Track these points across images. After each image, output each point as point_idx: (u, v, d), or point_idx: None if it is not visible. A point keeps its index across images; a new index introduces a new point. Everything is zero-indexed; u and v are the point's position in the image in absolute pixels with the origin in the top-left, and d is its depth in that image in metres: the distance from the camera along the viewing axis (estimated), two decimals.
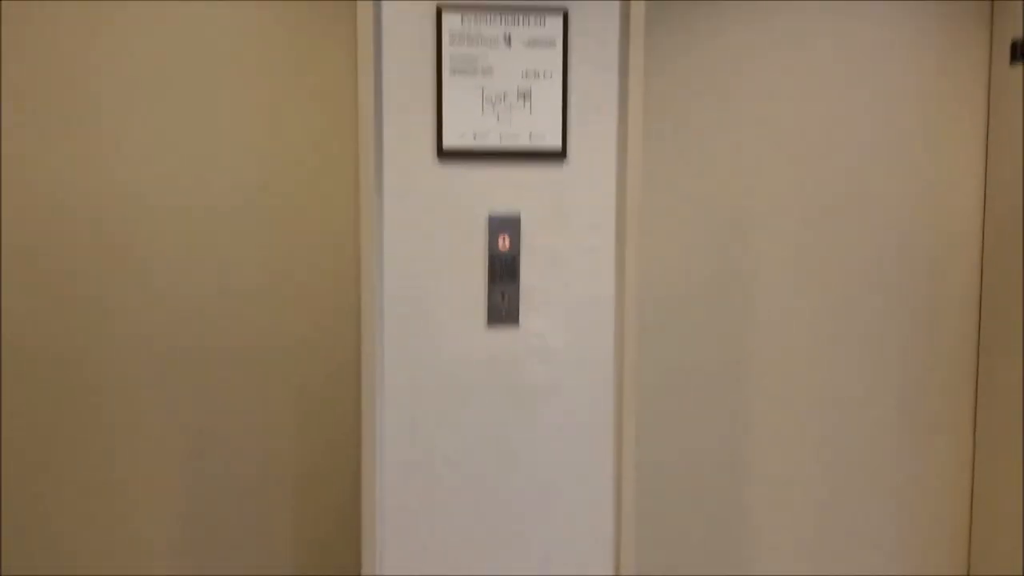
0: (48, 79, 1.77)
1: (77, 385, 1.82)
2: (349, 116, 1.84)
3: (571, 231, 1.73)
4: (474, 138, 1.66)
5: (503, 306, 1.71)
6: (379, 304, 1.68)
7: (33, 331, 1.80)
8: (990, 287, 2.06)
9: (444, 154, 1.66)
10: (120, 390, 1.83)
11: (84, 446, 1.83)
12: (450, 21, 1.63)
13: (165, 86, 1.80)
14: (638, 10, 1.68)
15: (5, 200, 1.77)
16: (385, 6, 1.62)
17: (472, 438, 1.72)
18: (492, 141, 1.67)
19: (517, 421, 1.73)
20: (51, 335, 1.81)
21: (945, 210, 2.07)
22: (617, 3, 1.69)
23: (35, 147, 1.77)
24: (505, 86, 1.66)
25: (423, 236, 1.69)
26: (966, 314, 2.10)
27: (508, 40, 1.65)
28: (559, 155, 1.69)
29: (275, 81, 1.82)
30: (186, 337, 1.84)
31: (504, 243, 1.70)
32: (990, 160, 2.05)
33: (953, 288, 2.09)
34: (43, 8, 1.76)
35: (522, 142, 1.68)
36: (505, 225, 1.70)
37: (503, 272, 1.71)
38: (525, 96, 1.67)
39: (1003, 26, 2.00)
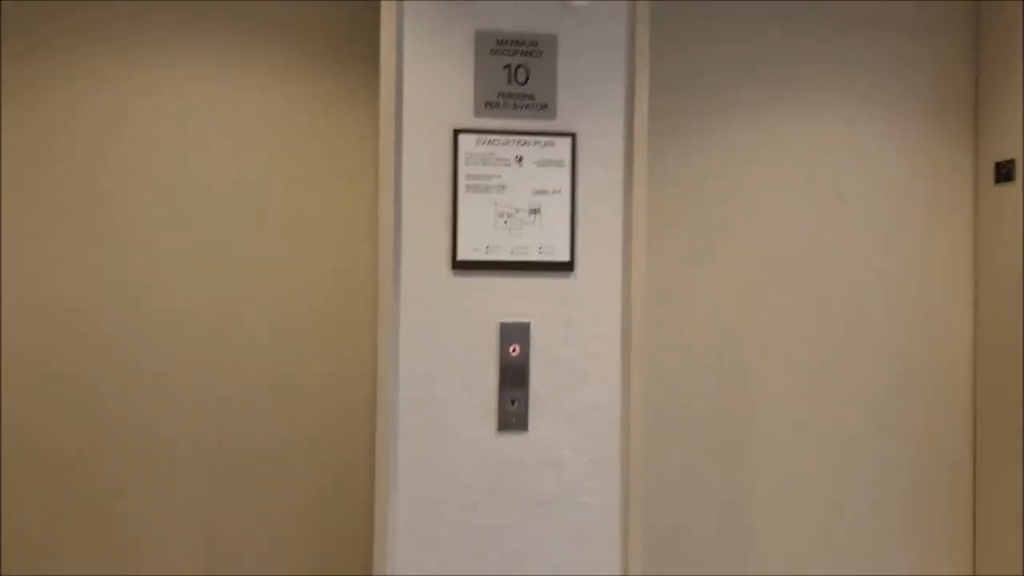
0: (65, 176, 1.87)
1: (92, 484, 1.86)
2: (370, 225, 1.94)
3: (578, 339, 1.80)
4: (487, 251, 1.75)
5: (513, 412, 1.77)
6: (394, 408, 1.73)
7: (46, 435, 1.85)
8: (984, 404, 2.11)
9: (458, 265, 1.74)
10: (136, 491, 1.86)
11: (97, 548, 1.85)
12: (466, 143, 1.74)
13: (187, 195, 1.90)
14: (641, 132, 1.79)
15: (17, 305, 1.84)
16: (406, 128, 1.73)
17: (481, 543, 1.75)
18: (504, 254, 1.75)
19: (526, 526, 1.76)
20: (65, 437, 1.85)
21: (938, 331, 2.14)
22: (621, 126, 1.80)
23: (48, 252, 1.86)
24: (517, 203, 1.76)
25: (438, 343, 1.75)
26: (962, 430, 2.14)
27: (520, 161, 1.76)
28: (567, 267, 1.78)
29: (296, 189, 1.91)
30: (203, 438, 1.89)
31: (515, 351, 1.77)
32: (979, 275, 2.13)
33: (949, 405, 2.14)
34: (52, 99, 1.86)
35: (532, 255, 1.76)
36: (516, 333, 1.77)
37: (513, 379, 1.77)
38: (535, 212, 1.76)
39: (987, 148, 2.11)
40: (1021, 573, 1.97)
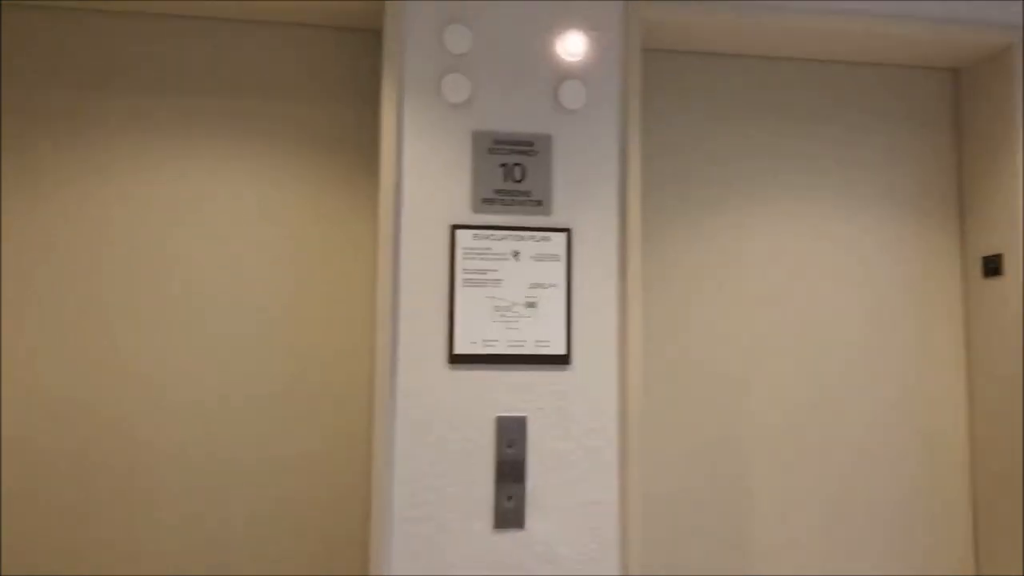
0: (62, 248, 1.88)
1: (89, 533, 1.81)
2: (367, 318, 1.95)
3: (576, 433, 1.79)
4: (484, 345, 1.76)
5: (510, 508, 1.74)
6: (388, 502, 1.71)
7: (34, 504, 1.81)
8: (982, 488, 2.09)
9: (455, 359, 1.75)
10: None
11: None
12: (463, 238, 1.77)
13: (186, 283, 1.91)
14: (635, 226, 1.83)
15: (14, 395, 1.83)
16: (404, 223, 1.77)
17: None
18: (501, 348, 1.76)
19: None
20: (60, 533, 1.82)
21: (932, 414, 2.14)
22: (615, 222, 1.84)
23: (45, 343, 1.86)
24: (513, 296, 1.77)
25: (434, 436, 1.74)
26: (963, 522, 2.12)
27: (516, 255, 1.78)
28: (564, 360, 1.78)
29: (297, 276, 1.93)
30: (196, 517, 1.85)
31: (511, 445, 1.76)
32: (972, 368, 2.14)
33: (946, 496, 2.13)
34: (49, 183, 1.89)
35: (529, 348, 1.77)
36: (512, 427, 1.76)
37: (510, 474, 1.75)
38: (532, 305, 1.78)
39: (974, 243, 2.15)
40: None
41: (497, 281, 1.78)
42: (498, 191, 1.80)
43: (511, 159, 1.81)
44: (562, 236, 1.80)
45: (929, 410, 2.14)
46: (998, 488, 2.06)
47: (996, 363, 2.07)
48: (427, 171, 1.79)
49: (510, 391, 1.78)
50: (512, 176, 1.81)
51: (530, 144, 1.82)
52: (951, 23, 2.03)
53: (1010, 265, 2.03)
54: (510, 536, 1.75)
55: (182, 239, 1.90)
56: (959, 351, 2.17)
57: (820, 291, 2.13)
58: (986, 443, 2.10)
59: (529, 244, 1.79)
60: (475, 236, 1.77)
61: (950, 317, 2.18)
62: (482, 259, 1.77)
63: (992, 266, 2.09)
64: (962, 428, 2.15)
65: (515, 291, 1.78)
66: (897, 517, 2.11)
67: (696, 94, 2.13)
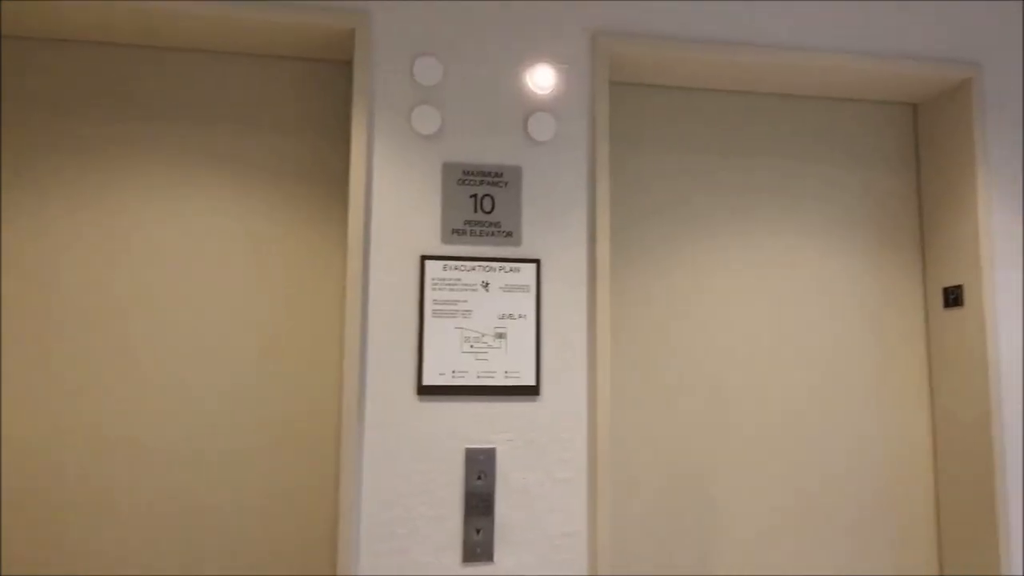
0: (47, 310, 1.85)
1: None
2: (338, 349, 1.93)
3: (545, 464, 1.78)
4: (453, 376, 1.75)
5: (478, 541, 1.73)
6: (355, 536, 1.69)
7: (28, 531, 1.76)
8: (946, 513, 2.12)
9: (424, 390, 1.74)
10: None
11: None
12: (433, 269, 1.77)
13: (145, 308, 1.89)
14: (604, 257, 1.84)
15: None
16: (373, 253, 1.76)
17: None
18: (470, 379, 1.76)
19: None
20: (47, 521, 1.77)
21: (896, 438, 2.17)
22: (584, 252, 1.85)
23: (39, 377, 1.82)
24: (483, 327, 1.77)
25: (402, 468, 1.73)
26: (927, 546, 2.14)
27: (486, 286, 1.79)
28: (533, 391, 1.78)
29: (263, 308, 1.91)
30: (164, 560, 1.81)
31: (480, 477, 1.75)
32: (935, 395, 2.18)
33: (913, 520, 2.15)
34: (49, 231, 1.86)
35: (498, 379, 1.77)
36: (481, 459, 1.75)
37: (479, 506, 1.74)
38: (501, 336, 1.78)
39: (935, 274, 2.19)
40: None
41: (467, 312, 1.77)
42: (468, 222, 1.80)
43: (481, 190, 1.82)
44: (531, 267, 1.81)
45: (893, 434, 2.17)
46: (961, 506, 2.08)
47: (957, 389, 2.10)
48: (397, 202, 1.79)
49: (479, 422, 1.77)
50: (482, 207, 1.82)
51: (500, 175, 1.83)
52: (910, 59, 2.08)
53: (970, 295, 2.07)
54: (479, 570, 1.73)
55: (149, 267, 1.88)
56: (922, 379, 2.21)
57: (786, 321, 2.16)
58: (949, 464, 2.13)
59: (499, 275, 1.79)
60: (445, 267, 1.77)
61: (913, 345, 2.21)
62: (451, 290, 1.77)
63: (953, 296, 2.12)
64: (925, 450, 2.18)
65: (484, 322, 1.78)
66: (862, 534, 2.12)
67: (664, 127, 2.16)
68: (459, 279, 1.78)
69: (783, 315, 2.16)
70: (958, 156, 2.14)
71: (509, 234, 1.82)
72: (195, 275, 1.89)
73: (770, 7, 2.03)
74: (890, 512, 2.14)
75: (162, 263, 1.88)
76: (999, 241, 2.07)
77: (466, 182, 1.81)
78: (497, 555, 1.74)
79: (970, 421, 2.06)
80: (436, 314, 1.76)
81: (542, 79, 1.87)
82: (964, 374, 2.08)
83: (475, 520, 1.74)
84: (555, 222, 1.85)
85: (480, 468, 1.75)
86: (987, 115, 2.11)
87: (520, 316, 1.80)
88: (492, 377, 1.77)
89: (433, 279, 1.77)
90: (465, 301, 1.77)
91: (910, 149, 2.29)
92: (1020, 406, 2.03)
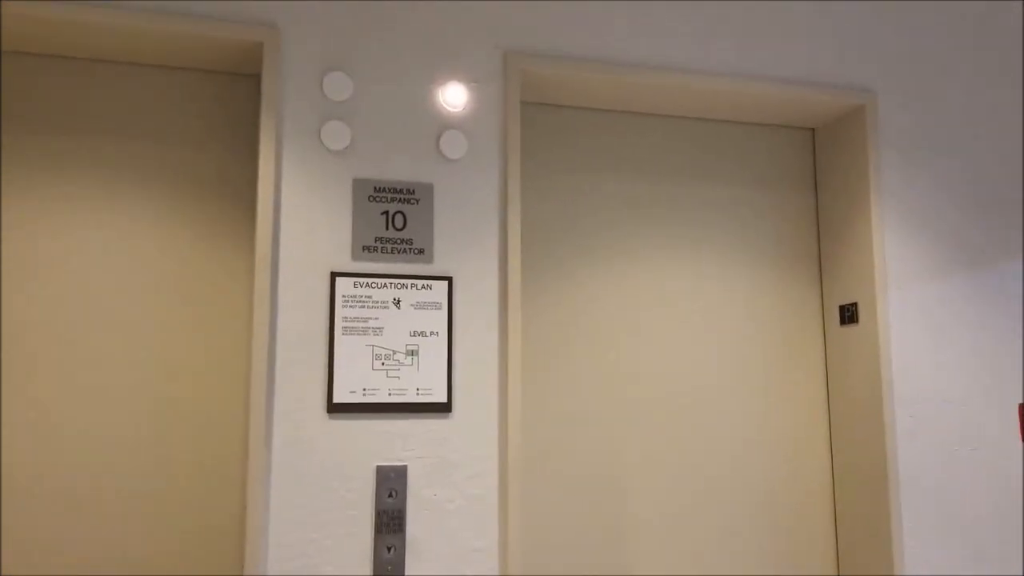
0: None
1: None
2: (242, 371, 1.90)
3: (456, 481, 1.79)
4: (364, 393, 1.74)
5: (389, 560, 1.72)
6: (263, 555, 1.66)
7: None
8: (844, 526, 2.20)
9: (335, 408, 1.73)
10: None
11: None
12: (343, 286, 1.76)
13: (47, 327, 1.82)
14: (515, 274, 1.86)
15: None
16: (282, 269, 1.74)
17: None
18: (381, 396, 1.75)
19: None
20: None
21: (798, 459, 2.24)
22: (496, 269, 1.86)
23: None
24: (394, 345, 1.77)
25: (311, 487, 1.71)
26: (824, 552, 2.22)
27: (398, 303, 1.78)
28: (445, 408, 1.79)
29: (170, 328, 1.87)
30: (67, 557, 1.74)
31: (392, 494, 1.74)
32: (832, 412, 2.26)
33: (811, 530, 2.22)
34: None
35: (410, 397, 1.77)
36: (393, 476, 1.75)
37: (390, 524, 1.73)
38: (413, 354, 1.78)
39: (831, 292, 2.29)
40: None
41: (378, 329, 1.77)
42: (379, 239, 1.80)
43: (392, 207, 1.82)
44: (443, 284, 1.82)
45: (791, 437, 2.24)
46: (855, 508, 2.17)
47: (852, 401, 2.19)
48: (307, 218, 1.78)
49: (391, 440, 1.76)
50: (394, 224, 1.81)
51: (411, 192, 1.84)
52: (809, 85, 2.17)
53: (865, 313, 2.16)
54: None
55: (45, 281, 1.82)
56: (819, 389, 2.29)
57: (689, 335, 2.21)
58: (845, 472, 2.21)
59: (410, 292, 1.80)
60: (355, 284, 1.77)
61: (811, 358, 2.30)
62: (362, 307, 1.76)
63: (848, 313, 2.21)
64: (822, 452, 2.26)
65: (396, 339, 1.78)
66: (762, 525, 2.18)
67: (575, 146, 2.20)
68: (370, 296, 1.77)
69: (689, 326, 2.21)
70: (853, 179, 2.23)
71: (421, 251, 1.82)
72: (94, 290, 1.84)
73: (678, 32, 2.09)
74: (787, 509, 2.21)
75: (59, 277, 1.82)
76: (892, 262, 2.17)
77: (377, 199, 1.81)
78: (408, 571, 1.74)
79: (864, 431, 2.15)
80: (347, 331, 1.75)
81: (454, 97, 1.89)
82: (858, 388, 2.17)
83: (386, 537, 1.73)
84: (467, 239, 1.86)
85: (391, 485, 1.75)
86: (881, 140, 2.22)
87: (432, 333, 1.80)
88: (404, 394, 1.77)
89: (344, 296, 1.76)
90: (376, 318, 1.77)
91: (809, 172, 2.38)
92: (909, 417, 2.12)
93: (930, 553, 2.08)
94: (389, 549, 1.73)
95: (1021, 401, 2.22)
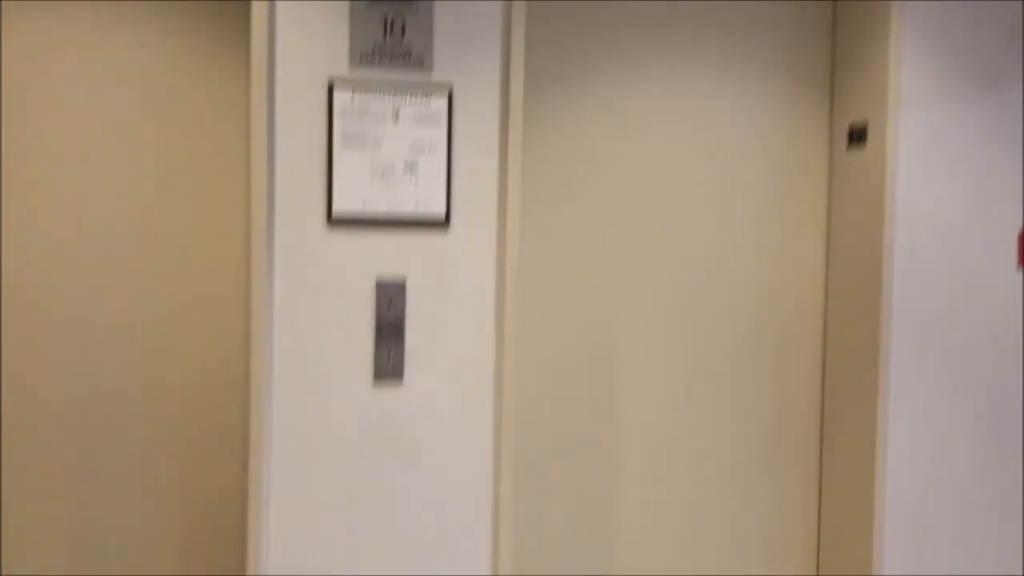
0: None
1: None
2: (244, 181, 1.89)
3: (454, 295, 1.83)
4: (363, 205, 1.74)
5: (389, 367, 1.79)
6: (268, 362, 1.73)
7: None
8: (832, 349, 2.27)
9: (334, 221, 1.73)
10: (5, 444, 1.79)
11: None
12: (341, 97, 1.71)
13: (60, 144, 1.81)
14: (517, 85, 1.81)
15: None
16: (279, 79, 1.69)
17: (358, 491, 1.78)
18: (380, 208, 1.75)
19: (401, 475, 1.81)
20: None
21: (792, 283, 2.27)
22: (498, 81, 1.81)
23: None
24: (393, 157, 1.75)
25: (313, 298, 1.75)
26: (811, 372, 2.30)
27: (396, 115, 1.75)
28: (443, 223, 1.79)
29: (169, 141, 1.85)
30: (76, 389, 1.82)
31: (391, 306, 1.78)
32: (831, 236, 2.27)
33: (800, 351, 2.29)
34: None
35: (408, 210, 1.77)
36: (392, 289, 1.78)
37: (389, 334, 1.79)
38: (412, 167, 1.77)
39: (841, 111, 2.23)
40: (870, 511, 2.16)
41: (377, 142, 1.74)
42: (377, 46, 1.74)
43: (391, 12, 1.74)
44: (443, 95, 1.77)
45: (788, 267, 2.27)
46: (846, 330, 2.23)
47: (854, 223, 2.20)
48: (302, 24, 1.70)
49: (390, 253, 1.78)
50: (392, 31, 1.74)
51: None
52: None
53: (874, 133, 2.12)
54: (390, 392, 1.80)
55: (38, 100, 1.77)
56: (820, 217, 2.28)
57: (694, 154, 2.18)
58: (839, 302, 2.26)
59: (409, 103, 1.75)
60: (354, 95, 1.72)
61: (816, 184, 2.27)
62: (361, 119, 1.73)
63: (857, 134, 2.17)
64: (818, 283, 2.29)
65: (394, 152, 1.75)
66: (752, 348, 2.26)
67: None
68: (368, 107, 1.73)
69: (694, 146, 2.18)
70: None
71: (420, 60, 1.76)
72: (92, 118, 1.80)
73: None
74: (776, 327, 2.27)
75: (58, 101, 1.78)
76: (907, 79, 2.10)
77: (375, 2, 1.73)
78: (407, 379, 1.81)
79: (862, 252, 2.16)
80: (345, 143, 1.72)
81: None
82: (860, 209, 2.17)
83: (386, 346, 1.79)
84: (469, 48, 1.79)
85: (390, 297, 1.78)
86: None
87: (431, 146, 1.78)
88: (402, 208, 1.77)
89: (342, 107, 1.72)
90: (375, 131, 1.74)
91: None
92: (912, 246, 2.13)
93: (915, 385, 2.15)
94: (388, 357, 1.79)
95: (1021, 229, 2.22)
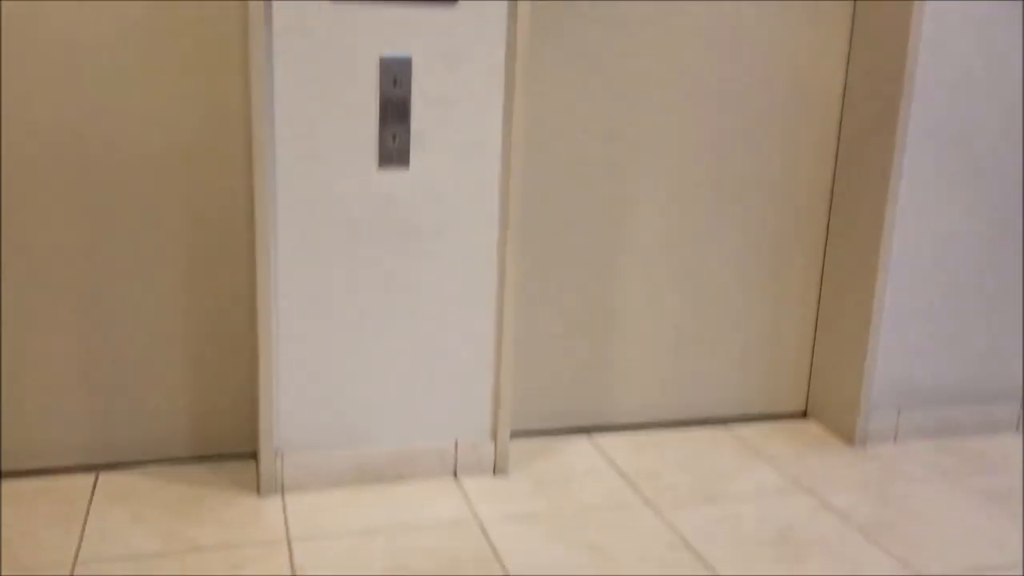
0: None
1: None
2: None
3: (461, 75, 1.77)
4: None
5: (394, 148, 1.76)
6: (271, 144, 1.70)
7: None
8: (847, 139, 2.22)
9: None
10: (10, 224, 1.79)
11: None
12: None
13: None
14: None
15: None
16: None
17: (364, 274, 1.81)
18: None
19: (407, 257, 1.83)
20: None
21: (812, 66, 2.18)
22: None
23: None
24: None
25: (315, 76, 1.69)
26: (823, 163, 2.26)
27: None
28: None
29: None
30: (76, 161, 1.80)
31: (396, 84, 1.73)
32: (856, 17, 2.16)
33: (812, 138, 2.24)
34: None
35: None
36: (397, 67, 1.72)
37: (395, 113, 1.75)
38: None
39: None
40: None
41: None
42: None
43: None
44: None
45: (809, 48, 2.18)
46: (863, 111, 2.19)
47: (881, 12, 2.09)
48: None
49: (395, 29, 1.71)
50: None
51: None
52: None
53: None
54: (395, 174, 1.78)
55: None
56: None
57: None
58: (859, 80, 2.19)
59: None
60: None
61: None
62: None
63: None
64: (839, 65, 2.21)
65: None
66: (769, 140, 2.23)
67: None
68: None
69: None
70: None
71: None
72: None
73: None
74: (793, 116, 2.22)
75: None
76: None
77: None
78: (412, 160, 1.79)
79: (887, 34, 2.07)
80: None
81: None
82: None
83: (391, 127, 1.75)
84: None
85: (396, 76, 1.73)
86: None
87: None
88: None
89: None
90: None
91: None
92: (939, 40, 2.04)
93: (929, 169, 2.12)
94: (394, 138, 1.76)
95: None
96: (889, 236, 2.12)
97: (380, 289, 1.83)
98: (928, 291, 2.21)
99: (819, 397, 2.35)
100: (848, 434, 2.24)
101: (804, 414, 2.40)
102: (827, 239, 2.30)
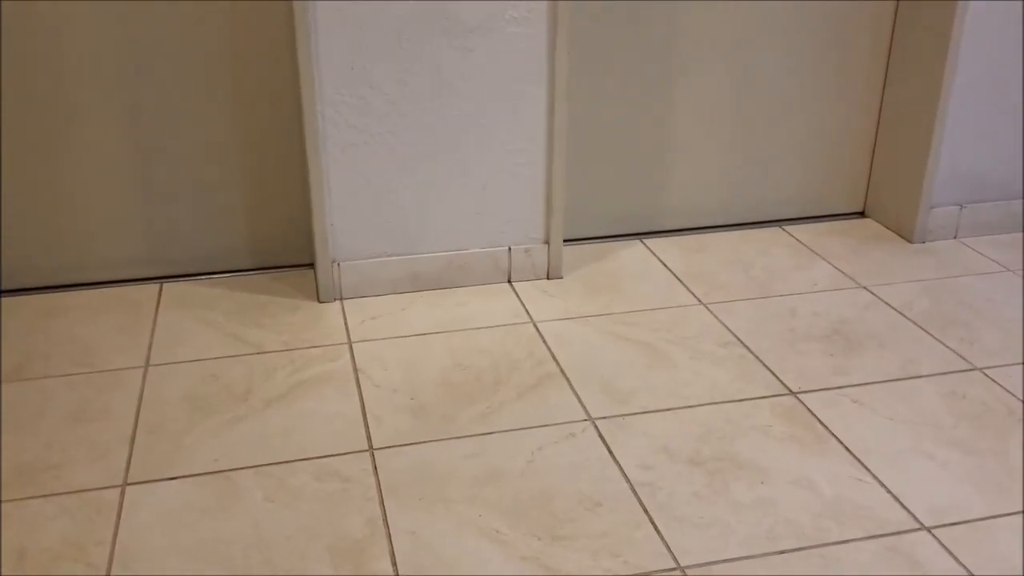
0: None
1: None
2: None
3: None
4: None
5: None
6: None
7: None
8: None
9: None
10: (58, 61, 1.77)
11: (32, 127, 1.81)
12: None
13: None
14: None
15: None
16: None
17: (409, 73, 1.76)
18: None
19: (452, 54, 1.77)
20: None
21: None
22: None
23: None
24: None
25: None
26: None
27: None
28: None
29: None
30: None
31: None
32: None
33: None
34: None
35: None
36: None
37: None
38: None
39: None
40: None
41: None
42: None
43: None
44: None
45: None
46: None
47: None
48: None
49: None
50: None
51: None
52: None
53: None
54: None
55: None
56: None
57: None
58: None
59: None
60: None
61: None
62: None
63: None
64: None
65: None
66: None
67: None
68: None
69: None
70: None
71: None
72: None
73: None
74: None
75: None
76: None
77: None
78: None
79: None
80: None
81: None
82: None
83: None
84: None
85: None
86: None
87: None
88: None
89: None
90: None
91: None
92: None
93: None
94: None
95: None
96: (962, 12, 1.97)
97: (426, 88, 1.78)
98: (999, 76, 2.08)
99: (878, 194, 2.29)
100: (908, 230, 2.19)
101: (862, 214, 2.35)
102: (895, 19, 2.15)
